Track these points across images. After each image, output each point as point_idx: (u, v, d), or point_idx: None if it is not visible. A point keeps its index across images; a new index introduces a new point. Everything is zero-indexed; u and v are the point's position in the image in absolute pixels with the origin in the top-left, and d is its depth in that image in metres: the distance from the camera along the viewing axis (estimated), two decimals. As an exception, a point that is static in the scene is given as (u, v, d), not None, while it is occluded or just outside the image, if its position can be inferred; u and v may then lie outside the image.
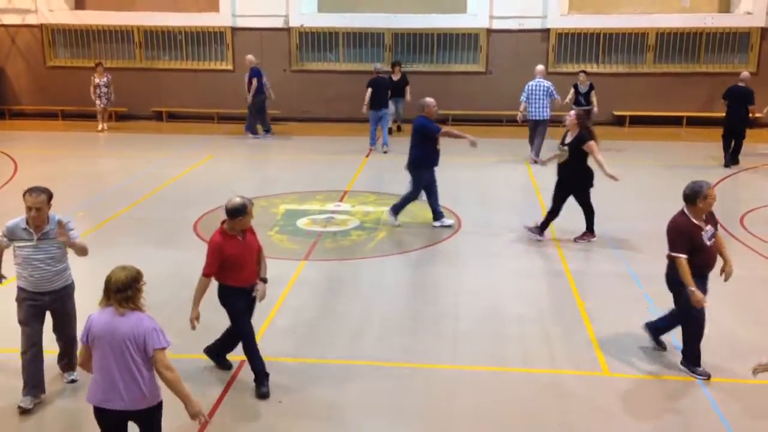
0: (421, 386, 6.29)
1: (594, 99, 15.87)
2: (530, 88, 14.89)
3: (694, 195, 6.19)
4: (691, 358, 6.44)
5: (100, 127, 18.03)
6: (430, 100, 10.30)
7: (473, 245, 9.93)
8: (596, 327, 7.35)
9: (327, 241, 10.08)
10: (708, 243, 6.23)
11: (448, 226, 10.43)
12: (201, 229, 10.43)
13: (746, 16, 18.37)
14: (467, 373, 6.52)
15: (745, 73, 15.02)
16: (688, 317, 6.38)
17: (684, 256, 6.12)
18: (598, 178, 9.67)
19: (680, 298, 6.35)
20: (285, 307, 7.76)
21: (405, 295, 8.28)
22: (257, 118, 17.38)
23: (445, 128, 10.59)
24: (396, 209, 10.55)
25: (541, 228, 9.99)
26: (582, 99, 15.70)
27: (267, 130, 17.55)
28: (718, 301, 7.94)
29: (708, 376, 6.32)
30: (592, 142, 9.47)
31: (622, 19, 18.64)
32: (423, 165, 10.27)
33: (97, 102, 17.88)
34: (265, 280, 6.15)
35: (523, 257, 9.52)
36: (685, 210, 6.28)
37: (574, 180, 9.72)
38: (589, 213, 9.96)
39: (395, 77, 17.19)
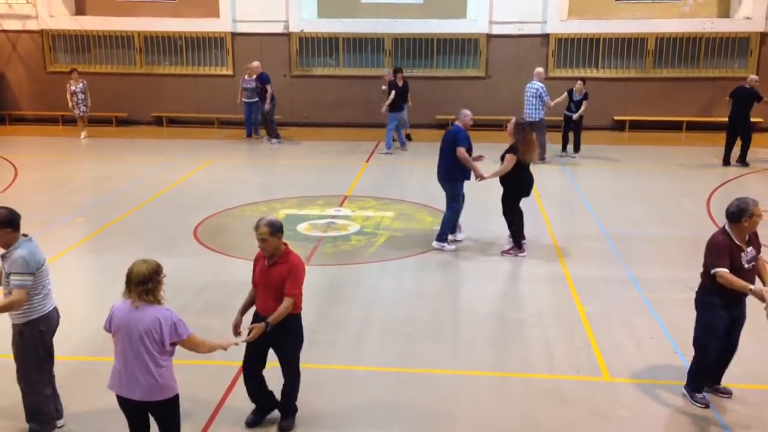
0: (421, 392, 6.27)
1: (583, 107, 15.64)
2: (525, 90, 15.16)
3: (740, 213, 5.63)
4: (693, 383, 6.08)
5: (81, 135, 17.73)
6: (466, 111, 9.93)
7: (472, 250, 9.93)
8: (596, 332, 7.35)
9: (327, 246, 10.08)
10: (747, 266, 5.71)
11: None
12: (201, 235, 10.43)
13: (746, 21, 18.40)
14: (467, 379, 6.50)
15: (752, 77, 15.39)
16: (701, 343, 5.96)
17: (725, 269, 5.63)
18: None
19: (698, 322, 5.97)
20: (285, 313, 7.74)
21: (405, 300, 8.27)
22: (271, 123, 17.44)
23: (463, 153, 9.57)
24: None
25: (517, 244, 9.72)
26: (573, 106, 15.59)
27: (276, 136, 17.56)
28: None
29: (707, 405, 5.96)
30: (509, 155, 9.31)
31: (621, 24, 18.67)
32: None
33: (75, 111, 17.70)
34: (267, 324, 5.25)
35: (523, 262, 9.51)
36: (727, 228, 5.74)
37: (504, 190, 9.64)
38: (510, 226, 9.72)
39: (399, 83, 16.81)
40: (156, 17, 19.39)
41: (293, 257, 5.38)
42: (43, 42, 19.74)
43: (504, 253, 9.70)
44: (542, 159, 14.90)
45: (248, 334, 5.25)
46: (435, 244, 9.88)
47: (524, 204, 11.39)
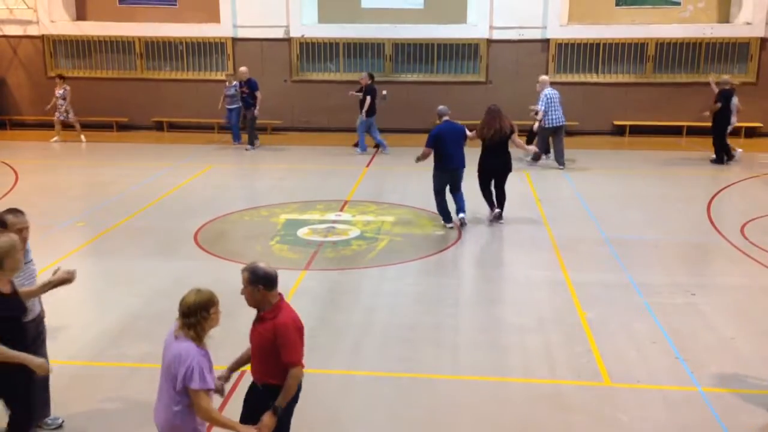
0: (421, 397, 6.27)
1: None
2: (549, 96, 15.08)
3: None
4: None
5: (54, 138, 17.83)
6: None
7: (473, 255, 9.93)
8: (597, 336, 7.33)
9: (327, 251, 10.08)
10: None
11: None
12: (201, 240, 10.43)
13: (746, 27, 18.42)
14: (467, 384, 6.50)
15: (724, 77, 15.98)
16: None
17: None
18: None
19: None
20: (285, 317, 7.74)
21: (405, 305, 8.27)
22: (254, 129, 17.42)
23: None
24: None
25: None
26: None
27: (251, 143, 17.38)
28: (719, 310, 7.95)
29: None
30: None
31: (621, 29, 18.68)
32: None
33: (56, 114, 17.85)
34: (275, 411, 4.39)
35: (524, 267, 9.50)
36: None
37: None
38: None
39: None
40: (157, 22, 19.41)
41: (283, 316, 4.41)
42: (43, 47, 19.76)
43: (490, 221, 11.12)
44: (562, 164, 15.11)
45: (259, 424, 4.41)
46: (462, 215, 10.85)
47: (525, 208, 11.46)
